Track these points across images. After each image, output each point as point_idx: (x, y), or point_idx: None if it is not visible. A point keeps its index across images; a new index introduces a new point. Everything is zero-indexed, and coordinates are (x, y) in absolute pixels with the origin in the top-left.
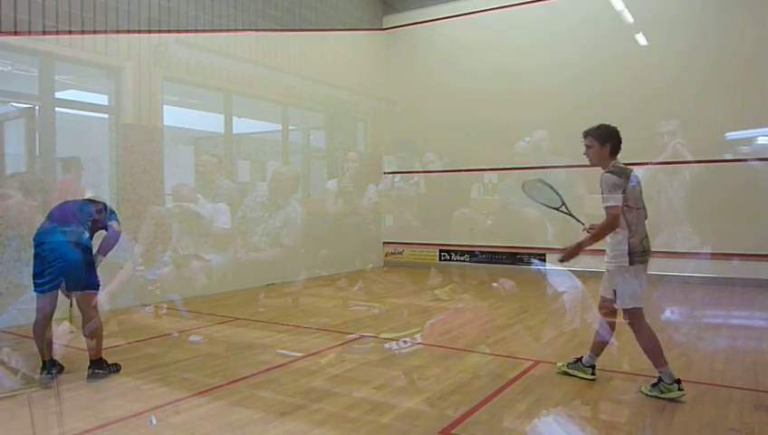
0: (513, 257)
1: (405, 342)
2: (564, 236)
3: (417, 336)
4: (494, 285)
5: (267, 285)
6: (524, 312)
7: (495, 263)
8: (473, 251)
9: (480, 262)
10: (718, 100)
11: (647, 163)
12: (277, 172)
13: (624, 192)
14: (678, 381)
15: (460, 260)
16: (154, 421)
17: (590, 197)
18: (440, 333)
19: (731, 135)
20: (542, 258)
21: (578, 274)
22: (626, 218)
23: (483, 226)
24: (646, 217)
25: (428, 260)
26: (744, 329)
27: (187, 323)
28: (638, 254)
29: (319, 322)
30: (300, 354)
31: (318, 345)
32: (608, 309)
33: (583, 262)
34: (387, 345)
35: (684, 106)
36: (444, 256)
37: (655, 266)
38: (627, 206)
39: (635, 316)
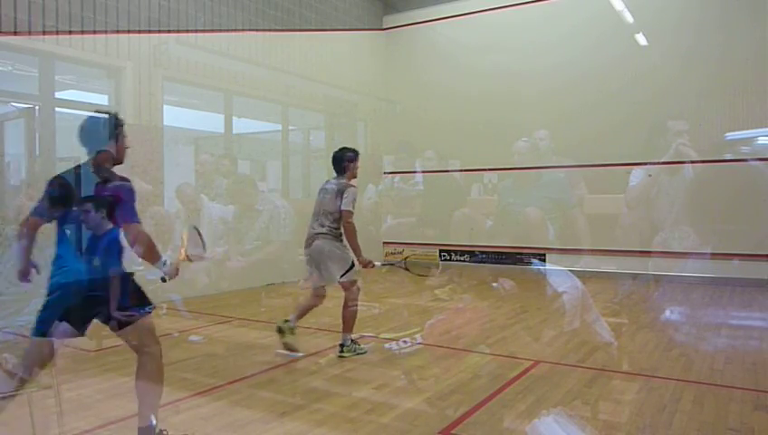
0: (514, 257)
1: (405, 342)
2: (565, 235)
3: (418, 336)
4: (495, 284)
5: (267, 285)
6: (524, 312)
7: (495, 263)
8: (473, 251)
9: (480, 262)
10: (719, 100)
11: (647, 163)
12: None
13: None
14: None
15: (460, 260)
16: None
17: (590, 197)
18: (440, 333)
19: (731, 135)
20: (542, 258)
21: (578, 274)
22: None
23: (483, 226)
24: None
25: (428, 260)
26: (744, 329)
27: (187, 323)
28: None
29: (319, 322)
30: (300, 354)
31: (318, 345)
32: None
33: (584, 262)
34: (387, 345)
35: (684, 106)
36: (444, 256)
37: (655, 266)
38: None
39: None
